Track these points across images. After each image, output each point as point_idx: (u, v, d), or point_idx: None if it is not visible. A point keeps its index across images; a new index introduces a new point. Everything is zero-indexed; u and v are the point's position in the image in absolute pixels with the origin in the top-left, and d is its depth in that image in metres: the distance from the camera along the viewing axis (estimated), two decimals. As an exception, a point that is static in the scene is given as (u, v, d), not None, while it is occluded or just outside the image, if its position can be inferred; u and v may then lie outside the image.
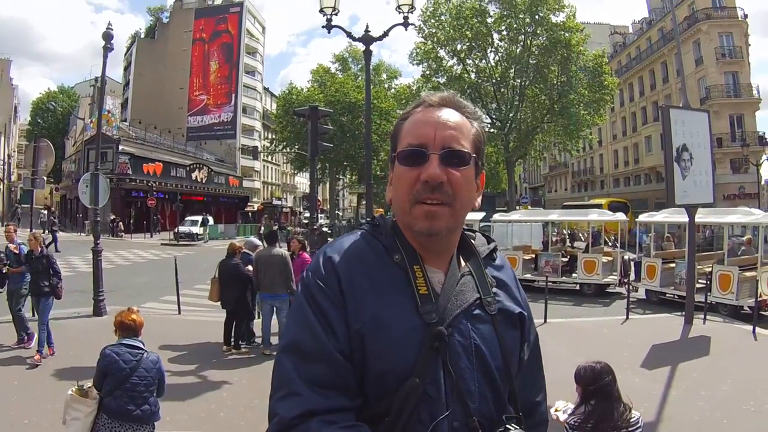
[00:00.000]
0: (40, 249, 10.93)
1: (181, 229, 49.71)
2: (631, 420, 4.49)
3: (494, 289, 1.81)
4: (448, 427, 1.58)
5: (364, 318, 1.62)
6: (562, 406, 4.92)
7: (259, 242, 13.87)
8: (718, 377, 9.88)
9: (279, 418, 1.54)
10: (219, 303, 12.40)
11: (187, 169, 65.39)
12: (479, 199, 1.87)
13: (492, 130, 51.10)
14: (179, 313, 15.40)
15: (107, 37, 15.88)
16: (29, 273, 11.14)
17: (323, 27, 13.52)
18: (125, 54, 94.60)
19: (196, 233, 49.81)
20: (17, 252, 11.33)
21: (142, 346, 6.29)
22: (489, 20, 48.70)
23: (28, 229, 49.09)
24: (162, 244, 44.76)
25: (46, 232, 47.70)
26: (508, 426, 1.65)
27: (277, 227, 53.90)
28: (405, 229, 1.78)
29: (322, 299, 1.65)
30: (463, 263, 1.83)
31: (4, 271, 11.25)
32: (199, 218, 52.54)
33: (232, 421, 7.75)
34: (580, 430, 4.49)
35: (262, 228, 53.16)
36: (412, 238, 1.77)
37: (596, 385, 4.56)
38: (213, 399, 8.72)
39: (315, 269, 1.73)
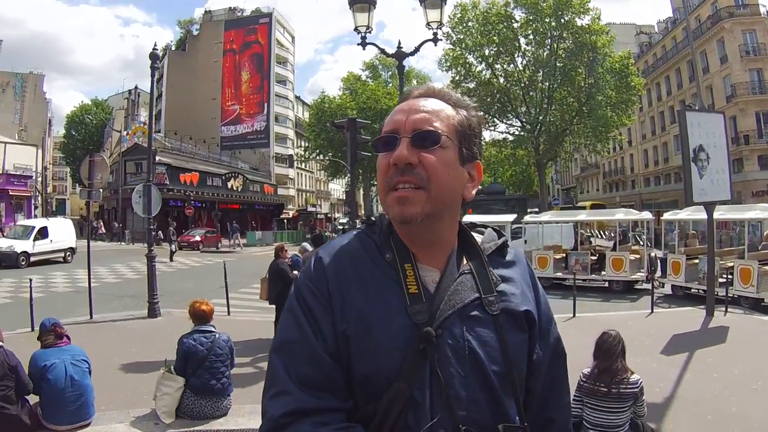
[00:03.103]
0: None
1: None
2: (631, 379, 5.55)
3: (500, 288, 1.74)
4: None
5: (350, 318, 1.62)
6: None
7: (310, 247, 14.57)
8: (731, 362, 10.52)
9: (269, 416, 1.57)
10: (267, 301, 12.98)
11: (223, 178, 66.06)
12: (473, 191, 1.82)
13: (522, 133, 51.62)
14: (228, 314, 15.94)
15: (153, 57, 16.76)
16: None
17: (358, 44, 13.88)
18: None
19: (22, 253, 30.18)
20: None
21: (213, 329, 7.42)
22: (515, 25, 49.39)
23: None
24: (202, 251, 45.02)
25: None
26: None
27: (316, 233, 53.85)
28: (392, 222, 1.75)
29: (312, 300, 1.66)
30: (465, 262, 1.77)
31: None
32: (37, 223, 33.66)
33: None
34: (589, 378, 5.61)
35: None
36: (405, 234, 1.73)
37: (601, 345, 5.69)
38: (271, 385, 9.55)
39: (307, 270, 1.75)
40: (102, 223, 57.52)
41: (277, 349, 1.66)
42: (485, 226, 1.93)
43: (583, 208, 40.41)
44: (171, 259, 34.94)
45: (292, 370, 1.59)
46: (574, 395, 5.63)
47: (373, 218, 1.85)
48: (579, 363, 5.51)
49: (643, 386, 5.63)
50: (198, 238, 48.23)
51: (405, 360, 1.57)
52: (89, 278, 15.87)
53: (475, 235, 1.86)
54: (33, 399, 6.74)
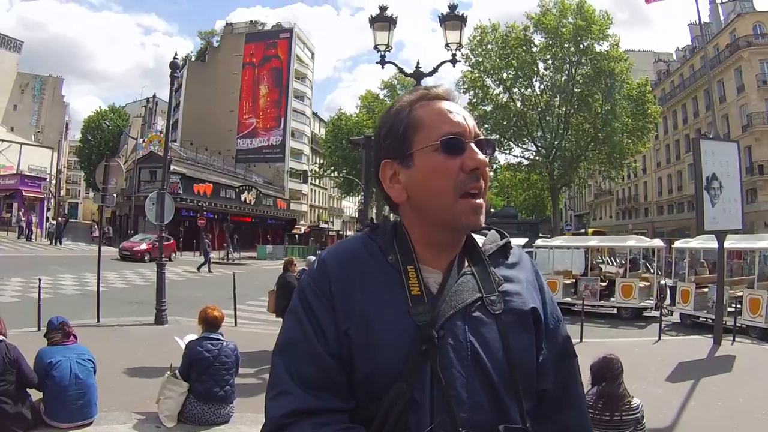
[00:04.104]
0: None
1: None
2: (633, 404, 5.48)
3: (504, 288, 1.71)
4: None
5: (352, 319, 1.60)
6: None
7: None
8: (736, 391, 10.49)
9: (270, 417, 1.57)
10: (275, 314, 13.09)
11: (237, 190, 66.06)
12: None
13: (537, 158, 51.48)
14: (235, 325, 15.91)
15: (174, 66, 16.87)
16: None
17: (377, 63, 14.13)
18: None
19: None
20: None
21: (221, 337, 7.48)
22: (534, 49, 49.32)
23: (81, 243, 50.59)
24: (213, 262, 44.73)
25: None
26: None
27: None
28: (442, 225, 1.69)
29: (314, 301, 1.64)
30: (466, 264, 1.74)
31: None
32: None
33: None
34: (592, 409, 5.39)
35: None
36: (422, 236, 1.72)
37: (608, 371, 5.59)
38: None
39: (310, 272, 1.74)
40: (96, 227, 57.34)
41: (280, 349, 1.66)
42: (489, 228, 1.88)
43: (586, 233, 40.15)
44: (199, 269, 34.96)
45: (294, 370, 1.58)
46: None
47: (376, 222, 1.83)
48: (585, 387, 5.48)
49: (643, 410, 5.61)
50: (144, 247, 39.05)
51: (406, 361, 1.54)
52: (98, 282, 15.98)
53: (477, 236, 1.82)
54: (36, 396, 6.79)
